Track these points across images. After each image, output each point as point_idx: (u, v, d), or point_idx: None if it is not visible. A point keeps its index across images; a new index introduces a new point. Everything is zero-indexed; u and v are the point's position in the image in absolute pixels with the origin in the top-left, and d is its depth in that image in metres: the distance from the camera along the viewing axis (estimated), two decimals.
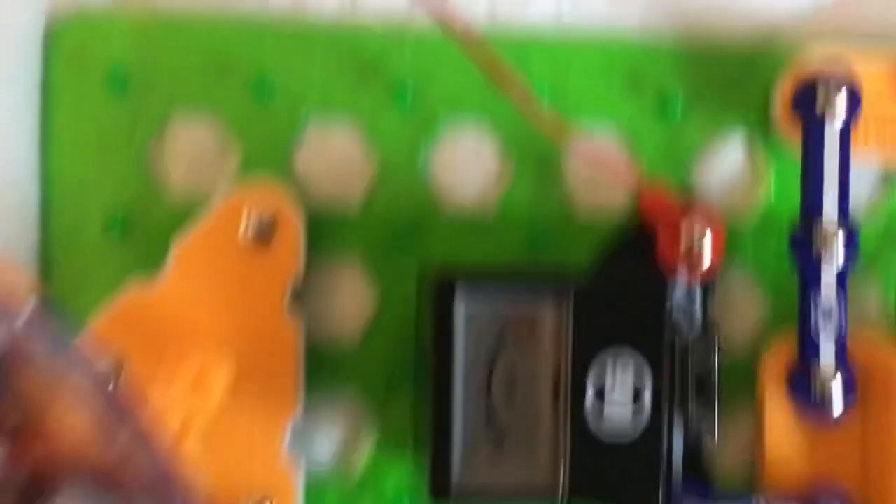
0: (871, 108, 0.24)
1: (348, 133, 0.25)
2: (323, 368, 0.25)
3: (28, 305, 0.13)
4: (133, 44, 0.24)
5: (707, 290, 0.24)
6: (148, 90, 0.25)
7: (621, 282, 0.22)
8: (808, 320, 0.24)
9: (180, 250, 0.23)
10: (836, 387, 0.24)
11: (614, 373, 0.22)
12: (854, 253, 0.24)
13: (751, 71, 0.25)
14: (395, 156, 0.25)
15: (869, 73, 0.24)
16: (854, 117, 0.24)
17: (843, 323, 0.24)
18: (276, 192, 0.24)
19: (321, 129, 0.25)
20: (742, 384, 0.25)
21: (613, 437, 0.22)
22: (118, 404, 0.14)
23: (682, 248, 0.23)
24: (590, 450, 0.22)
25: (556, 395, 0.22)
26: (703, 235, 0.23)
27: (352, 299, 0.25)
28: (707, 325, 0.24)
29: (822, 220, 0.24)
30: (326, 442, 0.25)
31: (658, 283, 0.23)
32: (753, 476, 0.26)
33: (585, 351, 0.22)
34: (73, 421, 0.13)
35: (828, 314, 0.24)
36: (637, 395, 0.22)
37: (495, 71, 0.23)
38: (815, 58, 0.24)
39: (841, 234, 0.24)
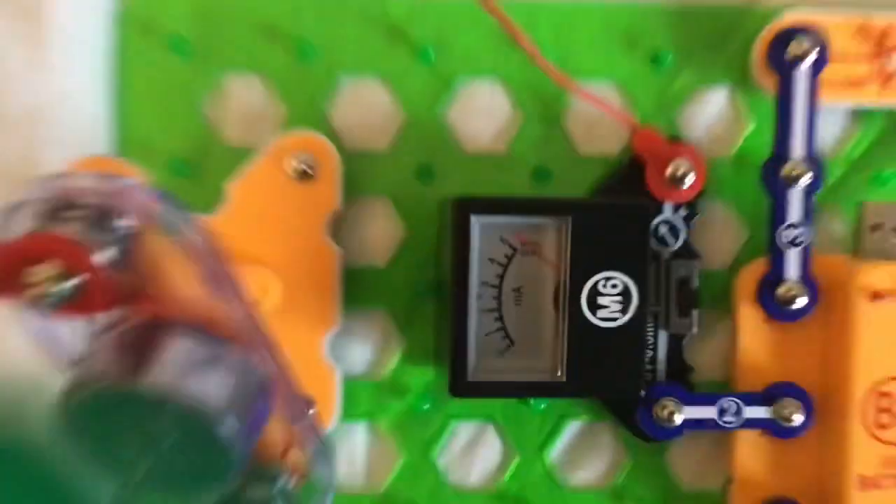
0: (838, 58, 0.27)
1: (378, 88, 0.28)
2: (357, 289, 0.28)
3: (146, 184, 0.16)
4: (192, 14, 0.28)
5: (691, 211, 0.27)
6: (205, 54, 0.28)
7: (615, 211, 0.26)
8: (776, 239, 0.27)
9: (236, 188, 0.27)
10: (799, 296, 0.27)
11: (605, 284, 0.25)
12: (817, 181, 0.27)
13: (733, 30, 0.28)
14: (418, 107, 0.28)
15: (836, 28, 0.27)
16: (821, 65, 0.27)
17: (807, 241, 0.27)
18: (317, 138, 0.27)
19: (354, 85, 0.28)
20: (721, 299, 0.29)
21: (602, 336, 0.25)
22: (218, 266, 0.17)
23: (668, 176, 0.27)
24: (583, 348, 0.25)
25: (556, 304, 0.26)
26: (685, 165, 0.26)
27: (381, 229, 0.28)
28: (690, 240, 0.27)
29: (790, 153, 0.27)
30: (360, 352, 0.29)
31: (645, 207, 0.26)
32: (728, 378, 0.29)
33: (581, 266, 0.25)
34: (182, 280, 0.17)
35: (793, 233, 0.27)
36: (624, 302, 0.25)
37: (510, 31, 0.26)
38: (790, 17, 0.27)
39: (805, 165, 0.27)
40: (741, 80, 0.28)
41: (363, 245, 0.28)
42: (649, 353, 0.28)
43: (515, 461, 0.29)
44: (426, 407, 0.29)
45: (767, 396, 0.28)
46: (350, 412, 0.29)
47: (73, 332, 0.17)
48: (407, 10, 0.28)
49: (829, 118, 0.29)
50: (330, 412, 0.28)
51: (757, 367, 0.28)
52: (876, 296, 0.27)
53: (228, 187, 0.27)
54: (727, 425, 0.28)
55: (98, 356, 0.17)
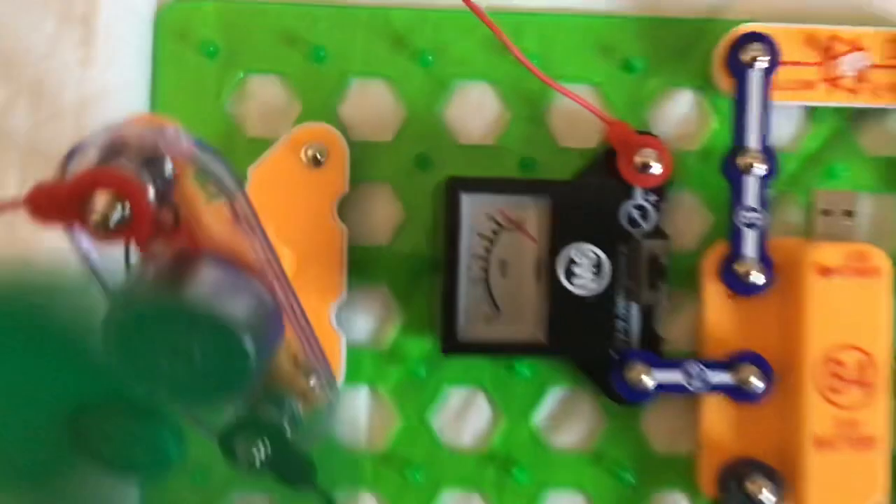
0: (790, 63, 0.31)
1: (382, 88, 0.32)
2: (361, 265, 0.31)
3: (187, 134, 0.20)
4: (220, 22, 0.31)
5: (660, 196, 0.31)
6: (230, 57, 0.31)
7: (588, 190, 0.29)
8: (736, 221, 0.30)
9: (256, 172, 0.30)
10: (757, 273, 0.30)
11: (580, 255, 0.29)
12: (771, 170, 0.30)
13: (697, 39, 0.32)
14: (418, 105, 0.32)
15: (787, 37, 0.31)
16: (773, 68, 0.30)
17: (762, 223, 0.30)
18: (327, 129, 0.30)
19: (362, 85, 0.32)
20: (689, 277, 0.32)
21: (578, 302, 0.29)
22: (245, 207, 0.20)
23: (637, 164, 0.30)
24: (560, 313, 0.29)
25: (537, 275, 0.29)
26: (652, 154, 0.30)
27: (384, 211, 0.32)
28: (660, 223, 0.31)
29: (746, 145, 0.30)
30: (363, 322, 0.32)
31: (613, 187, 0.29)
32: (696, 348, 0.32)
33: (558, 240, 0.29)
34: (212, 219, 0.21)
35: (750, 216, 0.30)
36: (597, 272, 0.29)
37: (500, 38, 0.29)
38: (746, 28, 0.31)
39: (760, 156, 0.30)
40: (705, 84, 0.32)
41: (367, 225, 0.32)
42: (623, 325, 0.31)
43: (503, 424, 0.32)
44: (422, 373, 0.32)
45: (730, 363, 0.31)
46: (353, 378, 0.32)
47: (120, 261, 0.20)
48: (408, 20, 0.32)
49: (785, 117, 0.32)
50: (336, 374, 0.31)
51: (721, 338, 0.31)
52: (826, 272, 0.30)
53: (250, 172, 0.30)
54: (694, 389, 0.30)
55: (142, 279, 0.21)
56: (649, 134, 0.31)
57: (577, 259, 0.29)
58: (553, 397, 0.32)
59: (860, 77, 0.31)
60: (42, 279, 0.20)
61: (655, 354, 0.31)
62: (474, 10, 0.28)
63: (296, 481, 0.24)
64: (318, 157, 0.30)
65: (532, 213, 0.29)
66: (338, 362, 0.30)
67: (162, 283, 0.20)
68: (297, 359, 0.24)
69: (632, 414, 0.32)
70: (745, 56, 0.30)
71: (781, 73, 0.31)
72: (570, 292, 0.29)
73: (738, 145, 0.30)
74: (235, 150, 0.31)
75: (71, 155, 0.19)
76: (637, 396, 0.30)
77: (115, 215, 0.18)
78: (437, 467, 0.32)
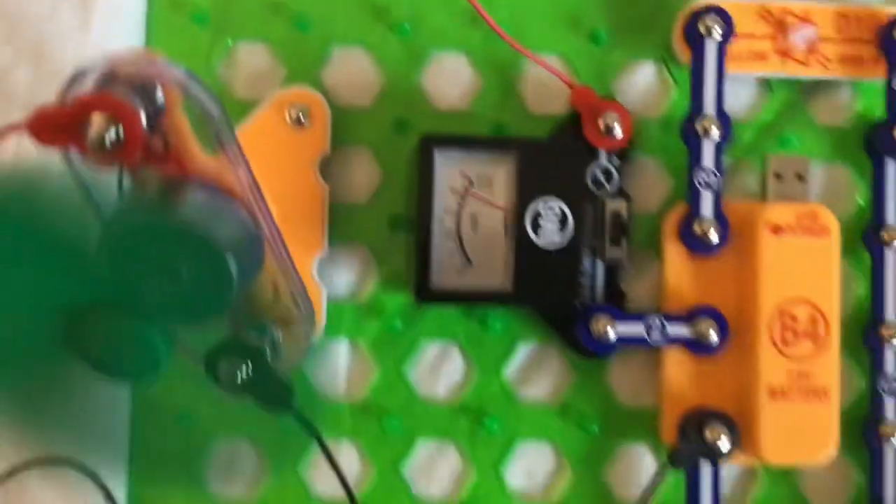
0: (744, 35, 0.33)
1: (363, 56, 0.34)
2: (341, 223, 0.33)
3: (178, 65, 0.22)
4: None
5: (622, 159, 0.32)
6: (220, 25, 0.33)
7: (555, 149, 0.31)
8: (694, 184, 0.32)
9: (244, 132, 0.32)
10: (713, 232, 0.32)
11: (545, 210, 0.31)
12: (726, 134, 0.32)
13: (658, 13, 0.34)
14: (396, 72, 0.33)
15: (741, 11, 0.33)
16: (727, 38, 0.32)
17: (719, 186, 0.32)
18: (310, 92, 0.32)
19: (343, 53, 0.33)
20: (652, 238, 0.33)
21: (543, 254, 0.31)
22: (229, 136, 0.22)
23: (600, 126, 0.32)
24: (527, 264, 0.30)
25: (506, 228, 0.31)
26: (614, 117, 0.32)
27: (363, 172, 0.33)
28: (623, 184, 0.32)
29: (703, 110, 0.32)
30: (343, 277, 0.33)
31: (582, 152, 0.31)
32: (657, 304, 0.33)
33: (525, 195, 0.31)
34: (198, 150, 0.22)
35: (708, 178, 0.32)
36: (561, 225, 0.31)
37: (476, 9, 0.31)
38: (703, 1, 0.32)
39: (715, 120, 0.32)
40: (665, 52, 0.34)
41: (347, 185, 0.33)
42: (588, 281, 0.33)
43: (476, 377, 0.34)
44: (399, 327, 0.33)
45: (689, 318, 0.32)
46: (333, 331, 0.33)
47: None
48: None
49: (742, 89, 0.34)
50: (317, 324, 0.32)
51: (680, 294, 0.33)
52: (778, 230, 0.32)
53: (238, 132, 0.32)
54: (654, 341, 0.32)
55: (134, 202, 0.22)
56: (612, 99, 0.33)
57: (543, 213, 0.30)
58: (523, 352, 0.34)
59: (810, 49, 0.33)
60: (29, 184, 0.22)
61: (619, 309, 0.32)
62: None
63: (275, 403, 0.25)
64: (301, 118, 0.32)
65: (501, 170, 0.31)
66: (319, 314, 0.32)
67: (152, 206, 0.22)
68: (276, 286, 0.25)
69: (598, 368, 0.34)
70: (702, 27, 0.32)
71: (736, 46, 0.33)
72: (535, 244, 0.30)
73: (695, 111, 0.32)
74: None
75: (70, 82, 0.21)
76: (601, 348, 0.32)
77: (110, 136, 0.20)
78: (413, 417, 0.33)
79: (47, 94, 0.22)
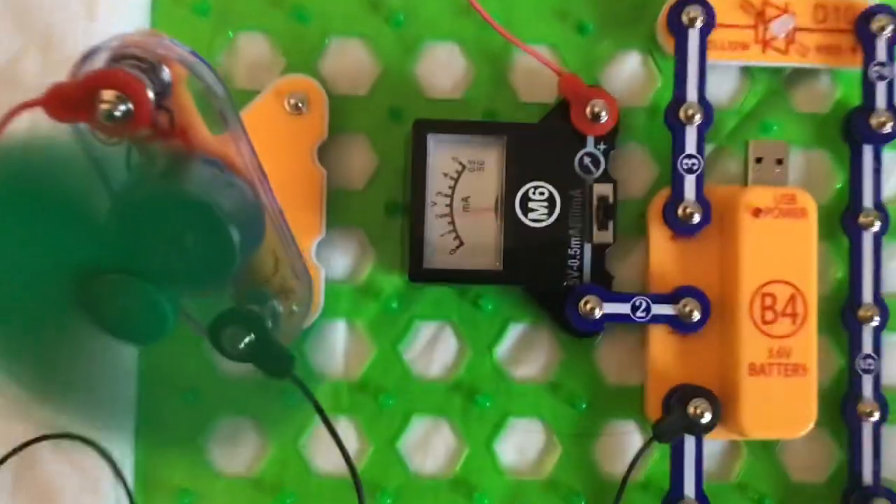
0: (726, 25, 0.34)
1: (359, 46, 0.35)
2: (339, 208, 0.34)
3: (179, 48, 0.23)
4: None
5: (609, 145, 0.34)
6: (222, 16, 0.34)
7: (544, 133, 0.32)
8: (677, 168, 0.34)
9: (244, 119, 0.33)
10: (695, 214, 0.33)
11: (534, 192, 0.32)
12: (707, 120, 0.33)
13: (643, 4, 0.35)
14: (391, 62, 0.35)
15: (724, 2, 0.34)
16: (709, 28, 0.34)
17: (700, 168, 0.33)
18: (308, 80, 0.33)
19: (340, 43, 0.35)
20: (637, 221, 0.35)
21: (533, 234, 0.32)
22: (232, 113, 0.24)
23: (587, 113, 0.33)
24: (517, 244, 0.32)
25: (496, 211, 0.32)
26: (600, 104, 0.33)
27: (360, 158, 0.34)
28: (609, 170, 0.34)
29: (686, 97, 0.34)
30: (341, 259, 0.35)
31: (570, 136, 0.32)
32: (642, 285, 0.35)
33: (515, 177, 0.32)
34: (203, 126, 0.24)
35: (689, 162, 0.34)
36: (549, 206, 0.32)
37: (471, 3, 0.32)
38: None
39: (698, 107, 0.33)
40: (650, 42, 0.35)
41: (345, 171, 0.34)
42: (576, 263, 0.34)
43: (468, 357, 0.35)
44: (395, 308, 0.35)
45: (672, 297, 0.34)
46: (331, 312, 0.34)
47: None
48: None
49: (725, 78, 0.35)
50: (316, 305, 0.33)
51: (664, 275, 0.34)
52: (758, 213, 0.33)
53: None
54: (639, 319, 0.33)
55: (142, 174, 0.24)
56: (599, 88, 0.34)
57: (532, 195, 0.32)
58: (514, 332, 0.35)
59: (790, 39, 0.34)
60: (41, 156, 0.23)
61: (606, 289, 0.33)
62: None
63: (275, 370, 0.27)
64: (300, 105, 0.33)
65: (492, 154, 0.32)
66: (318, 295, 0.33)
67: (159, 178, 0.23)
68: (277, 258, 0.27)
69: (586, 348, 0.35)
70: (685, 17, 0.33)
71: (719, 35, 0.34)
72: (525, 225, 0.32)
73: (679, 97, 0.33)
74: None
75: (82, 60, 0.22)
76: (589, 326, 0.33)
77: (120, 110, 0.21)
78: (408, 395, 0.35)
79: (56, 79, 0.23)
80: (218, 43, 0.34)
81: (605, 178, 0.33)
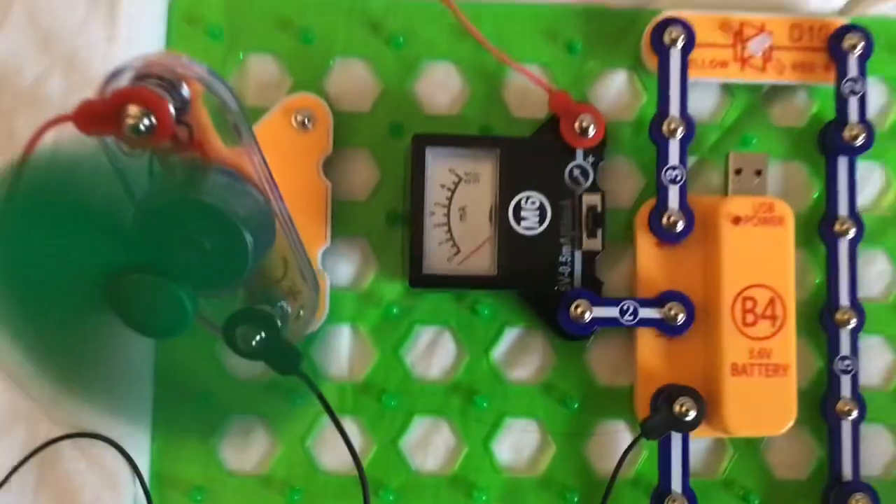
0: (707, 45, 0.36)
1: (361, 66, 0.37)
2: (343, 218, 0.36)
3: (197, 66, 0.25)
4: (224, 9, 0.36)
5: (597, 157, 0.35)
6: (233, 38, 0.36)
7: (535, 146, 0.34)
8: (661, 179, 0.35)
9: (255, 133, 0.35)
10: (679, 222, 0.35)
11: (526, 201, 0.34)
12: (689, 134, 0.35)
13: (628, 25, 0.37)
14: (392, 81, 0.36)
15: (704, 23, 0.36)
16: (689, 47, 0.36)
17: (684, 181, 0.35)
18: (314, 98, 0.35)
19: (344, 63, 0.37)
20: (625, 230, 0.36)
21: (525, 241, 0.34)
22: (245, 126, 0.26)
23: (576, 127, 0.35)
24: (510, 250, 0.33)
25: (491, 220, 0.34)
26: (588, 119, 0.35)
27: (362, 172, 0.36)
28: (598, 181, 0.35)
29: (668, 112, 0.36)
30: (345, 267, 0.36)
31: (559, 148, 0.34)
32: (630, 290, 0.36)
33: (508, 188, 0.34)
34: (218, 141, 0.26)
35: (673, 173, 0.36)
36: (540, 215, 0.34)
37: (464, 24, 0.34)
38: (667, 13, 0.36)
39: (680, 121, 0.35)
40: (634, 61, 0.37)
41: (348, 184, 0.36)
42: (567, 269, 0.36)
43: (466, 360, 0.36)
44: (396, 314, 0.36)
45: (658, 301, 0.35)
46: (336, 317, 0.36)
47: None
48: (383, 8, 0.37)
49: (706, 94, 0.37)
50: (322, 310, 0.35)
51: (651, 280, 0.36)
52: (737, 221, 0.35)
53: None
54: (627, 323, 0.35)
55: (164, 182, 0.26)
56: (587, 104, 0.36)
57: (524, 205, 0.34)
58: (510, 336, 0.37)
59: (767, 57, 0.36)
60: (68, 167, 0.25)
61: (596, 294, 0.35)
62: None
63: (284, 366, 0.29)
64: (306, 122, 0.35)
65: (486, 166, 0.34)
66: (323, 301, 0.35)
67: (179, 186, 0.25)
68: (286, 261, 0.29)
69: (578, 350, 0.36)
70: (667, 37, 0.35)
71: (700, 54, 0.36)
72: (518, 233, 0.34)
73: (662, 112, 0.35)
74: None
75: (109, 79, 0.24)
76: (580, 329, 0.35)
77: (144, 124, 0.23)
78: (410, 396, 0.36)
79: (78, 98, 0.25)
80: (229, 64, 0.36)
81: (594, 188, 0.35)
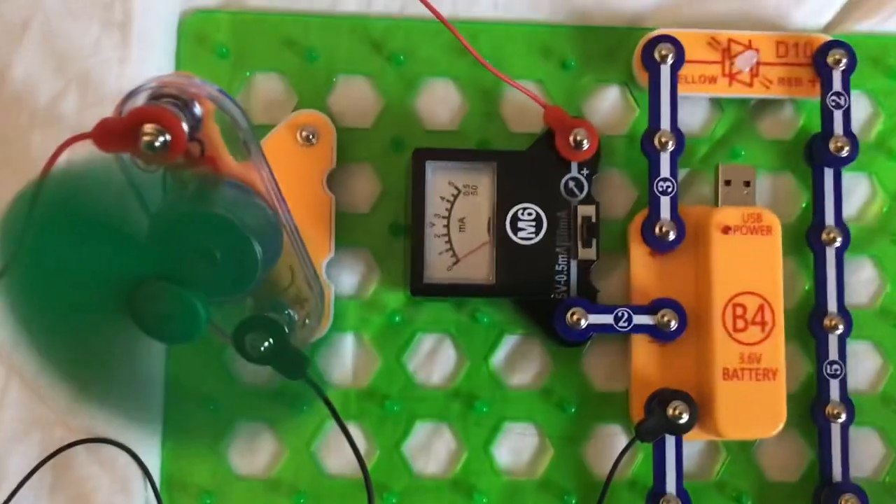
0: (696, 61, 0.37)
1: (364, 84, 0.38)
2: (347, 229, 0.37)
3: (208, 86, 0.27)
4: (231, 30, 0.37)
5: (591, 170, 0.37)
6: (240, 58, 0.38)
7: (531, 159, 0.35)
8: (653, 190, 0.37)
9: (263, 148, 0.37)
10: (670, 232, 0.36)
11: (522, 212, 0.35)
12: (680, 147, 0.37)
13: (620, 43, 0.38)
14: (393, 97, 0.38)
15: (693, 40, 0.37)
16: (679, 64, 0.37)
17: (675, 192, 0.36)
18: (318, 115, 0.36)
19: (347, 81, 0.38)
20: (619, 240, 0.38)
21: (521, 251, 0.35)
22: (254, 141, 0.27)
23: (571, 141, 0.37)
24: (507, 259, 0.34)
25: (489, 230, 0.36)
26: (582, 133, 0.36)
27: (366, 184, 0.37)
28: (592, 192, 0.37)
29: (659, 126, 0.37)
30: (349, 277, 0.37)
31: (554, 161, 0.36)
32: (624, 298, 0.37)
33: (505, 199, 0.35)
34: (228, 156, 0.27)
35: (664, 185, 0.37)
36: (536, 226, 0.35)
37: (462, 42, 0.35)
38: (658, 32, 0.37)
39: (671, 134, 0.37)
40: (629, 80, 0.38)
41: (351, 197, 0.37)
42: (563, 278, 0.37)
43: (466, 366, 0.37)
44: (398, 322, 0.37)
45: (651, 308, 0.36)
46: (340, 325, 0.37)
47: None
48: (384, 27, 0.38)
49: (696, 108, 0.38)
50: (326, 318, 0.36)
51: (644, 288, 0.37)
52: (727, 230, 0.36)
53: None
54: (622, 329, 0.36)
55: (177, 195, 0.27)
56: (581, 118, 0.37)
57: (521, 216, 0.35)
58: (508, 343, 0.38)
59: (754, 72, 0.38)
60: (82, 181, 0.27)
61: (591, 302, 0.36)
62: (440, 18, 0.35)
63: (291, 371, 0.30)
64: (311, 137, 0.36)
65: (484, 179, 0.35)
66: (328, 310, 0.36)
67: (191, 199, 0.27)
68: (293, 271, 0.30)
69: (574, 357, 0.37)
70: (657, 54, 0.37)
71: (689, 70, 0.37)
72: (515, 243, 0.35)
73: (653, 126, 0.36)
74: None
75: (126, 98, 0.26)
76: (576, 336, 0.36)
77: (160, 141, 0.25)
78: (412, 401, 0.37)
79: (92, 117, 0.26)
80: (237, 82, 0.38)
81: (589, 200, 0.36)
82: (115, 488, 0.35)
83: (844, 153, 0.36)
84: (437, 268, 0.35)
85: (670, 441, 0.36)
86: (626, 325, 0.36)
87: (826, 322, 0.37)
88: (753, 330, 0.35)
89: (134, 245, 0.26)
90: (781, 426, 0.35)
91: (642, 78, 0.37)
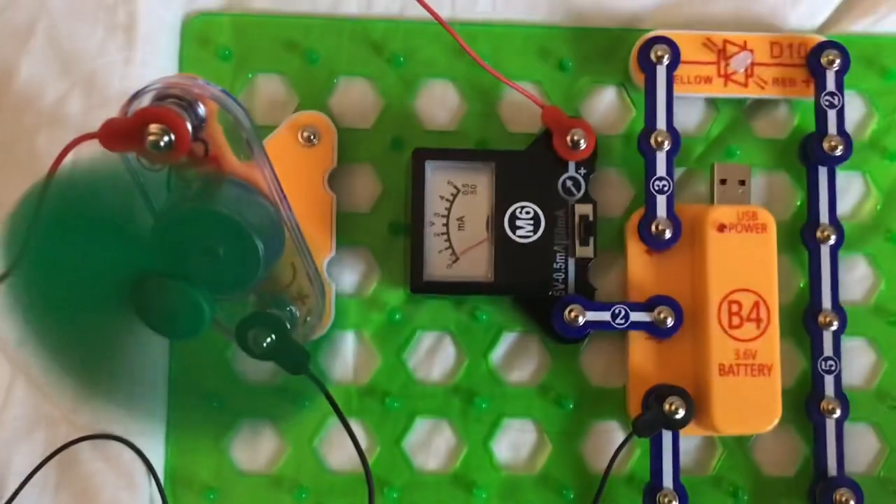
0: (691, 62, 0.38)
1: (364, 85, 0.38)
2: (348, 228, 0.37)
3: (212, 87, 0.27)
4: (233, 32, 0.38)
5: (588, 169, 0.37)
6: (242, 60, 0.38)
7: (529, 158, 0.36)
8: (650, 189, 0.37)
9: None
10: (666, 230, 0.37)
11: (520, 211, 0.36)
12: (676, 148, 0.37)
13: (617, 44, 0.39)
14: (393, 98, 0.38)
15: (689, 41, 0.38)
16: (675, 65, 0.37)
17: (671, 191, 0.37)
18: (319, 116, 0.37)
19: (347, 82, 0.38)
20: (616, 238, 0.38)
21: (520, 249, 0.35)
22: (257, 141, 0.27)
23: (568, 141, 0.37)
24: (505, 257, 0.35)
25: (487, 227, 0.36)
26: (580, 132, 0.37)
27: (366, 184, 0.38)
28: (589, 191, 0.37)
29: (655, 126, 0.37)
30: (350, 275, 0.38)
31: (551, 161, 0.36)
32: (621, 296, 0.38)
33: (503, 198, 0.35)
34: (231, 156, 0.28)
35: (660, 183, 0.37)
36: (534, 224, 0.36)
37: (461, 44, 0.36)
38: (653, 33, 0.38)
39: (666, 134, 0.37)
40: (623, 78, 0.39)
41: (352, 196, 0.38)
42: (561, 276, 0.37)
43: (466, 363, 0.38)
44: (399, 319, 0.38)
45: (648, 305, 0.37)
46: (342, 323, 0.37)
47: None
48: (384, 29, 0.39)
49: (691, 108, 0.39)
50: (328, 316, 0.37)
51: (641, 286, 0.37)
52: (722, 228, 0.36)
53: None
54: (619, 326, 0.37)
55: (181, 193, 0.28)
56: (578, 118, 0.38)
57: (519, 215, 0.35)
58: (507, 340, 0.38)
59: (749, 73, 0.38)
60: (89, 181, 0.27)
61: (589, 299, 0.37)
62: (439, 20, 0.35)
63: (293, 366, 0.30)
64: (312, 138, 0.36)
65: (484, 178, 0.36)
66: (329, 308, 0.36)
67: (195, 198, 0.27)
68: (294, 268, 0.31)
69: (572, 353, 0.38)
70: (653, 55, 0.37)
71: (685, 71, 0.38)
72: (513, 241, 0.35)
73: (649, 126, 0.37)
74: None
75: (131, 99, 0.26)
76: (574, 333, 0.36)
77: (164, 141, 0.25)
78: (412, 398, 0.37)
79: (97, 117, 0.26)
80: (239, 83, 0.38)
81: (586, 198, 0.37)
82: (120, 484, 0.36)
83: (838, 152, 0.37)
84: (437, 266, 0.35)
85: (667, 436, 0.36)
86: (623, 322, 0.36)
87: (821, 319, 0.37)
88: (749, 326, 0.36)
89: (139, 243, 0.27)
90: (777, 421, 0.35)
91: (639, 78, 0.37)
